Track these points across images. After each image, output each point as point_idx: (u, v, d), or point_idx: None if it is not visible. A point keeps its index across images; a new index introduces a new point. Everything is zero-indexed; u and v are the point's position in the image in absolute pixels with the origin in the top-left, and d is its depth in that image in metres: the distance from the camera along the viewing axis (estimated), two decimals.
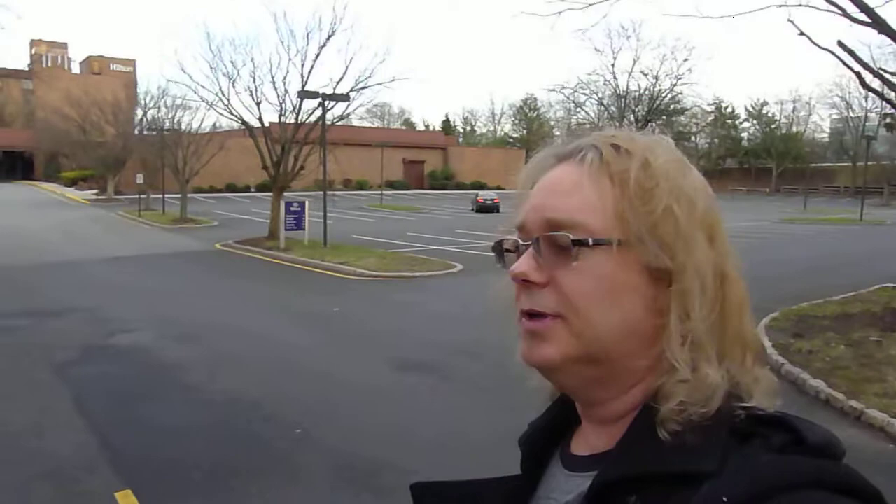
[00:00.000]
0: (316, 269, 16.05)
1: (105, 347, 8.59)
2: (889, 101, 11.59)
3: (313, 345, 8.90)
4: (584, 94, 33.04)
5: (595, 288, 0.64)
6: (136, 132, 40.87)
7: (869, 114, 60.98)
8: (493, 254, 0.78)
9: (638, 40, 29.70)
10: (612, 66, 30.16)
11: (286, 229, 19.68)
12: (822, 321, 9.02)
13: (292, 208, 20.01)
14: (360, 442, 5.43)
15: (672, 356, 0.62)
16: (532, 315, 0.67)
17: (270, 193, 23.23)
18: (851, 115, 64.45)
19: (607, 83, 31.56)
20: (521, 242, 0.70)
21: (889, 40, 9.38)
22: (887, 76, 9.88)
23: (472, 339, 9.09)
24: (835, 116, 69.58)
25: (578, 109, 35.85)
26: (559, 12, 10.80)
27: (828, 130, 74.88)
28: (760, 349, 0.66)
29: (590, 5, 10.51)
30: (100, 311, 10.85)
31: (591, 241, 0.63)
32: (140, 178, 35.25)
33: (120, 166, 43.45)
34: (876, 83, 10.83)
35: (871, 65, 10.18)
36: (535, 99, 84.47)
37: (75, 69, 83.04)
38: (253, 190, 51.97)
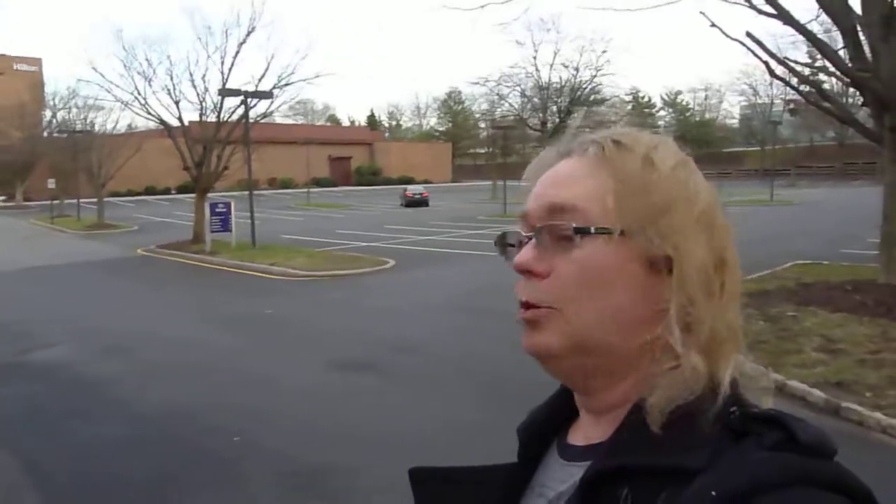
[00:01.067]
0: (246, 271, 15.66)
1: (20, 365, 8.12)
2: (793, 88, 12.24)
3: (247, 349, 8.69)
4: (507, 86, 33.43)
5: (593, 276, 0.65)
6: (45, 135, 38.76)
7: (775, 100, 64.32)
8: (495, 247, 0.79)
9: (558, 33, 30.60)
10: (534, 58, 30.81)
11: (212, 231, 19.11)
12: (742, 299, 9.44)
13: (218, 210, 19.44)
14: (303, 446, 5.35)
15: (674, 342, 0.63)
16: (529, 305, 0.68)
17: (192, 195, 22.49)
18: (758, 101, 67.89)
19: (529, 75, 32.06)
20: (523, 234, 0.71)
21: (792, 30, 9.92)
22: (791, 64, 10.44)
23: (409, 335, 9.11)
24: (743, 103, 73.22)
25: (502, 102, 36.13)
26: (482, 6, 10.87)
27: (737, 116, 78.60)
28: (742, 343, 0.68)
29: None
30: (13, 326, 10.26)
31: (593, 229, 0.65)
32: (52, 183, 33.48)
33: (28, 171, 41.12)
34: (781, 70, 11.43)
35: (777, 54, 10.74)
36: (460, 92, 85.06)
37: None
38: (174, 192, 50.24)
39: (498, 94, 35.08)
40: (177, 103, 21.11)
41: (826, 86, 12.18)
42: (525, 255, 0.69)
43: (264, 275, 14.97)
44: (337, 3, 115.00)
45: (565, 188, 0.68)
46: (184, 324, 10.32)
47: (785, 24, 9.35)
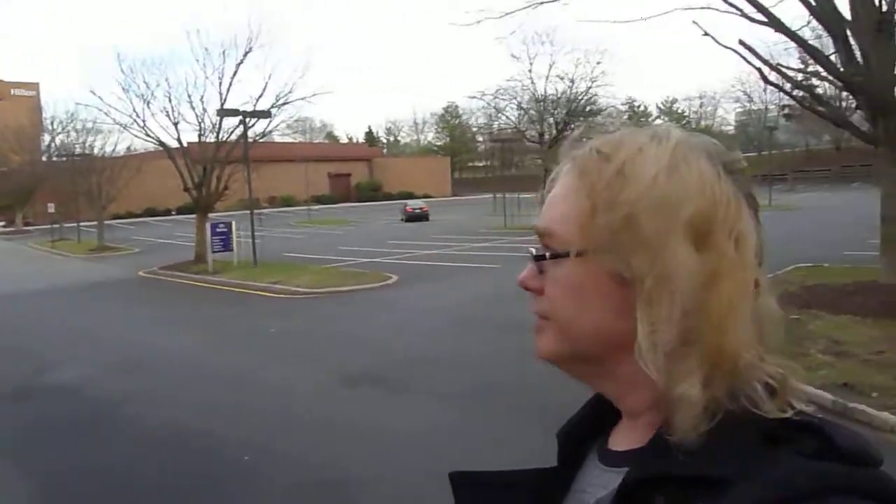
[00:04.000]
0: (248, 290, 15.70)
1: (30, 388, 8.14)
2: (787, 93, 12.35)
3: (252, 368, 8.70)
4: (504, 99, 33.60)
5: (564, 295, 0.68)
6: (45, 159, 38.92)
7: (770, 106, 64.64)
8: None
9: (552, 45, 30.57)
10: (530, 71, 30.92)
11: (214, 251, 19.16)
12: None
13: (219, 229, 19.51)
14: (316, 462, 5.37)
15: (643, 364, 0.61)
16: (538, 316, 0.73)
17: (193, 216, 22.56)
18: (754, 107, 68.24)
19: (526, 88, 32.13)
20: (532, 252, 0.73)
21: (784, 37, 10.04)
22: (785, 70, 10.55)
23: (417, 349, 9.13)
24: (739, 110, 73.60)
25: (500, 115, 36.30)
26: (478, 21, 11.00)
27: (734, 123, 78.99)
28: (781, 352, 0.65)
29: (506, 14, 10.77)
30: (21, 349, 10.28)
31: (547, 255, 0.69)
32: (52, 208, 33.58)
33: (28, 196, 41.24)
34: (774, 77, 11.53)
35: (770, 60, 10.85)
36: (457, 107, 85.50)
37: None
38: (174, 213, 50.34)
39: (495, 108, 35.32)
40: (175, 125, 21.24)
41: (819, 90, 12.26)
42: (522, 274, 0.72)
43: (267, 293, 15.00)
44: (333, 21, 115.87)
45: (550, 210, 0.71)
46: (188, 343, 10.34)
47: (777, 31, 9.47)
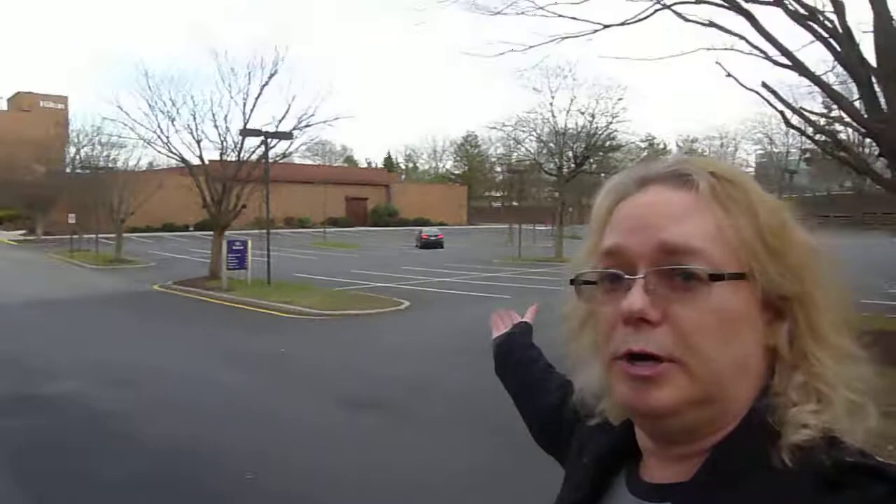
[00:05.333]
0: (260, 308, 15.72)
1: (32, 397, 8.12)
2: (809, 137, 12.30)
3: (260, 387, 8.67)
4: (524, 131, 33.73)
5: (718, 324, 0.59)
6: (68, 171, 39.54)
7: (791, 149, 64.54)
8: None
9: (574, 80, 30.63)
10: (551, 104, 30.97)
11: (228, 268, 19.27)
12: None
13: (234, 247, 19.63)
14: (316, 488, 5.30)
15: (789, 386, 0.60)
16: (641, 357, 0.61)
17: (209, 232, 22.78)
18: (774, 150, 68.05)
19: (546, 121, 32.25)
20: (623, 275, 0.63)
21: (807, 81, 10.02)
22: (807, 114, 10.51)
23: (423, 376, 9.05)
24: (759, 151, 73.37)
25: (518, 146, 36.45)
26: (501, 53, 11.12)
27: (753, 165, 78.75)
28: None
29: (530, 47, 10.86)
30: (27, 358, 10.31)
31: (725, 275, 0.59)
32: (72, 218, 34.03)
33: (50, 206, 41.82)
34: (796, 120, 11.50)
35: (793, 103, 10.83)
36: (476, 136, 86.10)
37: (2, 106, 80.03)
38: (191, 229, 50.79)
39: (514, 139, 35.38)
40: (198, 142, 21.55)
41: (842, 136, 12.18)
42: (637, 300, 0.60)
43: (279, 313, 15.01)
44: (357, 46, 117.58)
45: (676, 222, 0.61)
46: (196, 360, 10.33)
47: (801, 75, 9.46)
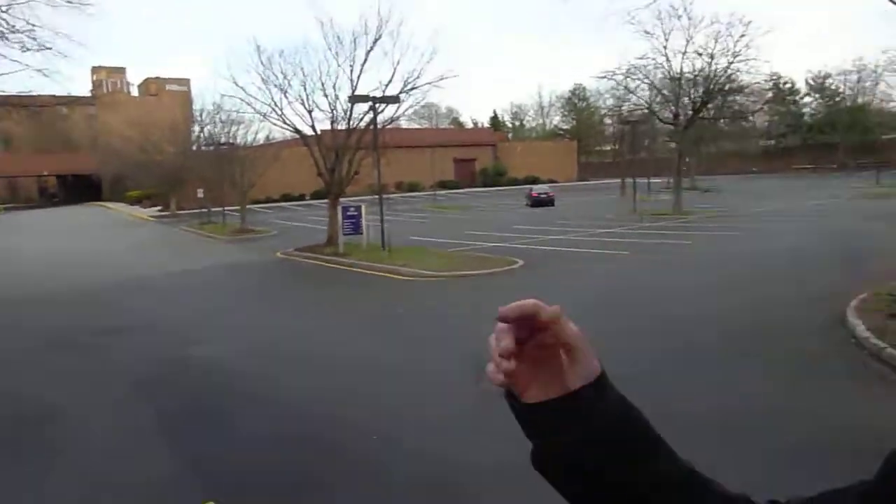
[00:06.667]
0: (377, 272, 16.04)
1: (179, 361, 8.68)
2: None
3: (382, 348, 8.80)
4: (636, 79, 31.99)
5: None
6: (195, 149, 41.99)
7: None
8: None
9: (689, 19, 28.53)
10: (665, 48, 29.10)
11: (344, 234, 19.80)
12: None
13: (349, 213, 20.12)
14: (447, 443, 5.27)
15: None
16: None
17: (324, 201, 23.43)
18: None
19: (659, 66, 30.40)
20: None
21: None
22: None
23: None
24: None
25: (630, 95, 34.69)
26: None
27: None
28: None
29: None
30: (170, 325, 11.05)
31: None
32: (201, 193, 36.22)
33: (180, 183, 44.71)
34: None
35: None
36: (584, 88, 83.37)
37: (134, 92, 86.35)
38: (308, 198, 52.76)
39: (626, 88, 33.63)
40: (310, 112, 22.05)
41: None
42: None
43: (395, 276, 15.24)
44: (459, 7, 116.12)
45: None
46: (320, 323, 10.67)
47: None
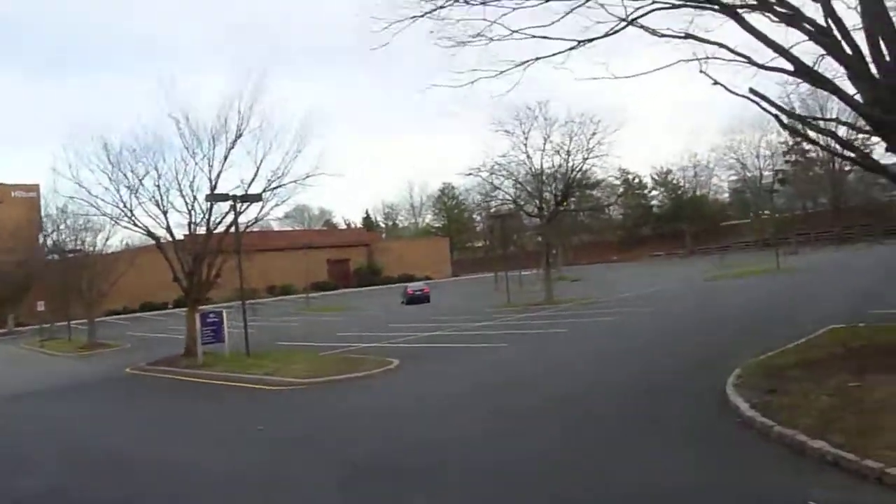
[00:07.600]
0: (239, 383, 14.55)
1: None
2: (807, 139, 11.69)
3: (241, 470, 7.54)
4: (501, 175, 33.15)
5: None
6: (41, 258, 38.37)
7: (763, 171, 65.00)
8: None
9: (545, 119, 30.23)
10: (525, 145, 30.49)
11: (203, 343, 18.12)
12: (790, 372, 8.44)
13: (209, 320, 18.55)
14: None
15: None
16: None
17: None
18: (748, 174, 68.49)
19: (521, 163, 31.74)
20: None
21: (794, 79, 9.43)
22: (803, 118, 9.90)
23: (424, 438, 7.99)
24: (733, 177, 73.72)
25: (496, 191, 35.83)
26: (472, 81, 10.43)
27: (727, 192, 79.27)
28: None
29: (501, 72, 10.19)
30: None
31: None
32: (41, 306, 32.72)
33: (22, 297, 40.45)
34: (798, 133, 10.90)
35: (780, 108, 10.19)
36: (453, 187, 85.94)
37: None
38: (171, 306, 49.38)
39: (491, 184, 34.75)
40: (165, 213, 20.52)
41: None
42: None
43: (259, 385, 13.85)
44: (326, 103, 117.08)
45: None
46: (165, 444, 9.19)
47: (794, 73, 8.82)
